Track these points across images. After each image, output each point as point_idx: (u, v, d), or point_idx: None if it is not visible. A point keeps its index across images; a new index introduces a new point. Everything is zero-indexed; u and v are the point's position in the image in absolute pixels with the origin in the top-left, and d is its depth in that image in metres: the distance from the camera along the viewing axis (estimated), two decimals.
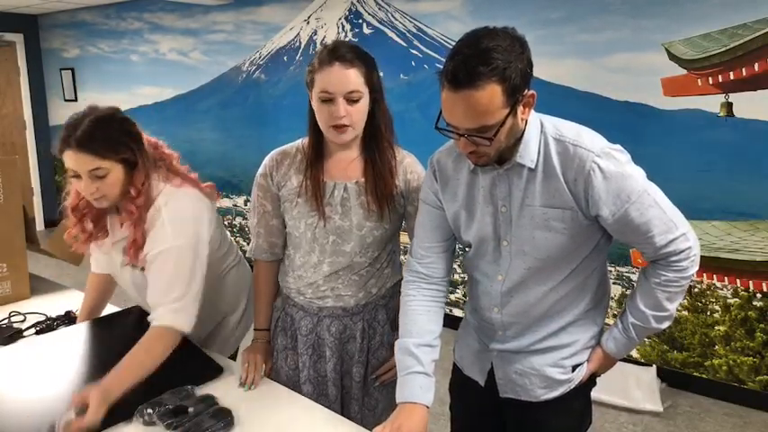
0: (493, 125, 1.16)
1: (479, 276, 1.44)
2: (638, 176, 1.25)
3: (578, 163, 1.22)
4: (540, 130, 1.27)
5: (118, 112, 1.52)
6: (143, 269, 1.52)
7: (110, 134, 1.45)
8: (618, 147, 1.27)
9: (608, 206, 1.23)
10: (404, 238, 1.72)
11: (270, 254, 1.65)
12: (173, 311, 1.47)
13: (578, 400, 1.48)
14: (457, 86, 1.13)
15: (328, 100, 1.41)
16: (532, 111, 1.28)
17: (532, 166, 1.27)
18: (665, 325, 1.39)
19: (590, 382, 1.47)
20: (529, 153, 1.26)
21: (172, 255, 1.47)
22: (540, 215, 1.28)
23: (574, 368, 1.42)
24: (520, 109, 1.20)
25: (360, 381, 1.61)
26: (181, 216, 1.51)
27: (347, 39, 4.23)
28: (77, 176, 1.45)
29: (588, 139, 1.25)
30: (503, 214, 1.33)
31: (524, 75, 1.17)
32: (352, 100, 1.42)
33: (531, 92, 1.21)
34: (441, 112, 1.20)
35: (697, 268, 1.31)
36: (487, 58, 1.11)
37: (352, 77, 1.41)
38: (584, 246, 1.32)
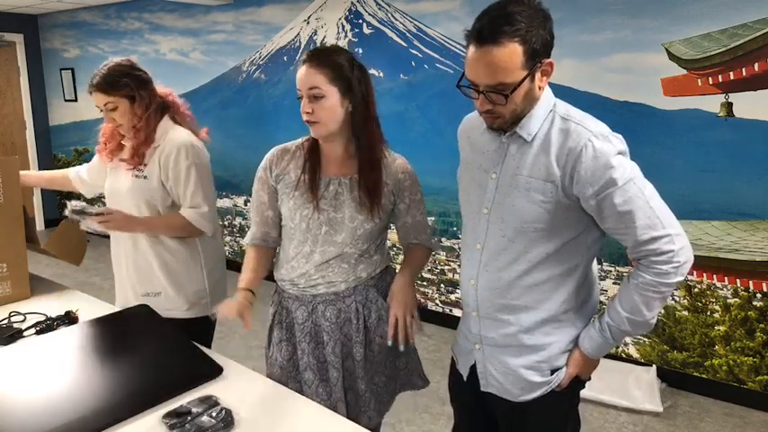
0: (510, 83, 1.23)
1: (463, 247, 1.50)
2: (629, 166, 1.27)
3: (574, 138, 1.27)
4: (551, 110, 1.33)
5: (124, 62, 1.99)
6: (145, 177, 1.96)
7: (113, 77, 1.93)
8: (619, 136, 1.30)
9: (592, 186, 1.25)
10: (393, 236, 1.75)
11: (262, 241, 1.74)
12: (199, 215, 1.95)
13: (562, 404, 1.47)
14: (481, 42, 1.21)
15: (300, 97, 1.57)
16: (550, 91, 1.33)
17: (529, 140, 1.32)
18: (641, 331, 1.39)
19: (575, 385, 1.46)
20: (529, 127, 1.32)
21: (194, 170, 1.93)
22: (524, 184, 1.32)
23: (552, 372, 1.42)
24: (538, 75, 1.26)
25: (361, 360, 1.66)
26: (195, 144, 1.98)
27: (347, 39, 4.24)
28: (102, 111, 1.96)
29: (592, 123, 1.30)
30: (492, 180, 1.37)
31: (545, 43, 1.24)
32: (314, 96, 1.54)
33: (550, 60, 1.27)
34: (464, 73, 1.28)
35: (680, 279, 1.29)
36: (512, 19, 1.19)
37: (313, 76, 1.53)
38: (562, 229, 1.33)
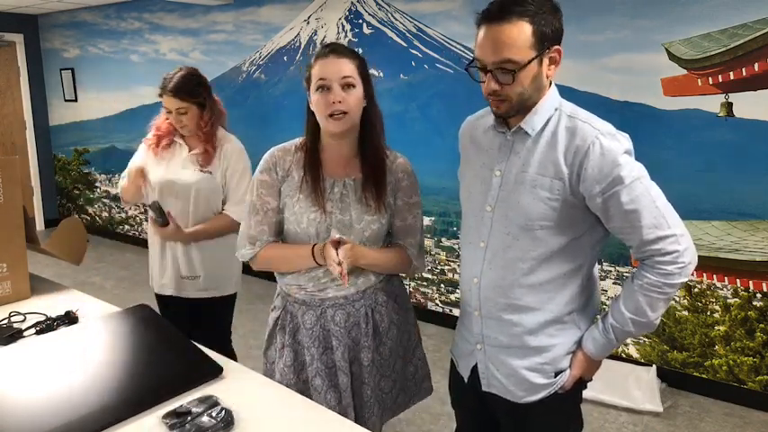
0: (517, 61, 1.22)
1: (465, 246, 1.49)
2: (636, 166, 1.27)
3: (582, 136, 1.27)
4: (556, 107, 1.33)
5: (196, 71, 2.23)
6: (210, 173, 2.25)
7: (189, 85, 2.15)
8: (625, 135, 1.31)
9: (599, 183, 1.25)
10: None
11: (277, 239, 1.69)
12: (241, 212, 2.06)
13: (565, 404, 1.47)
14: (490, 20, 1.23)
15: (325, 87, 1.50)
16: (556, 90, 1.34)
17: (533, 134, 1.32)
18: (645, 332, 1.39)
19: (578, 385, 1.46)
20: (533, 122, 1.32)
21: (248, 173, 2.26)
22: (530, 181, 1.32)
23: (556, 374, 1.42)
24: (546, 61, 1.26)
25: (369, 365, 1.63)
26: (244, 152, 2.32)
27: (347, 39, 4.24)
28: (169, 112, 2.19)
29: (599, 122, 1.31)
30: (496, 178, 1.37)
31: (555, 29, 1.24)
32: (346, 85, 1.51)
33: (559, 47, 1.27)
34: (474, 59, 1.30)
35: (684, 280, 1.29)
36: (522, 1, 1.21)
37: (346, 65, 1.52)
38: (567, 228, 1.33)
